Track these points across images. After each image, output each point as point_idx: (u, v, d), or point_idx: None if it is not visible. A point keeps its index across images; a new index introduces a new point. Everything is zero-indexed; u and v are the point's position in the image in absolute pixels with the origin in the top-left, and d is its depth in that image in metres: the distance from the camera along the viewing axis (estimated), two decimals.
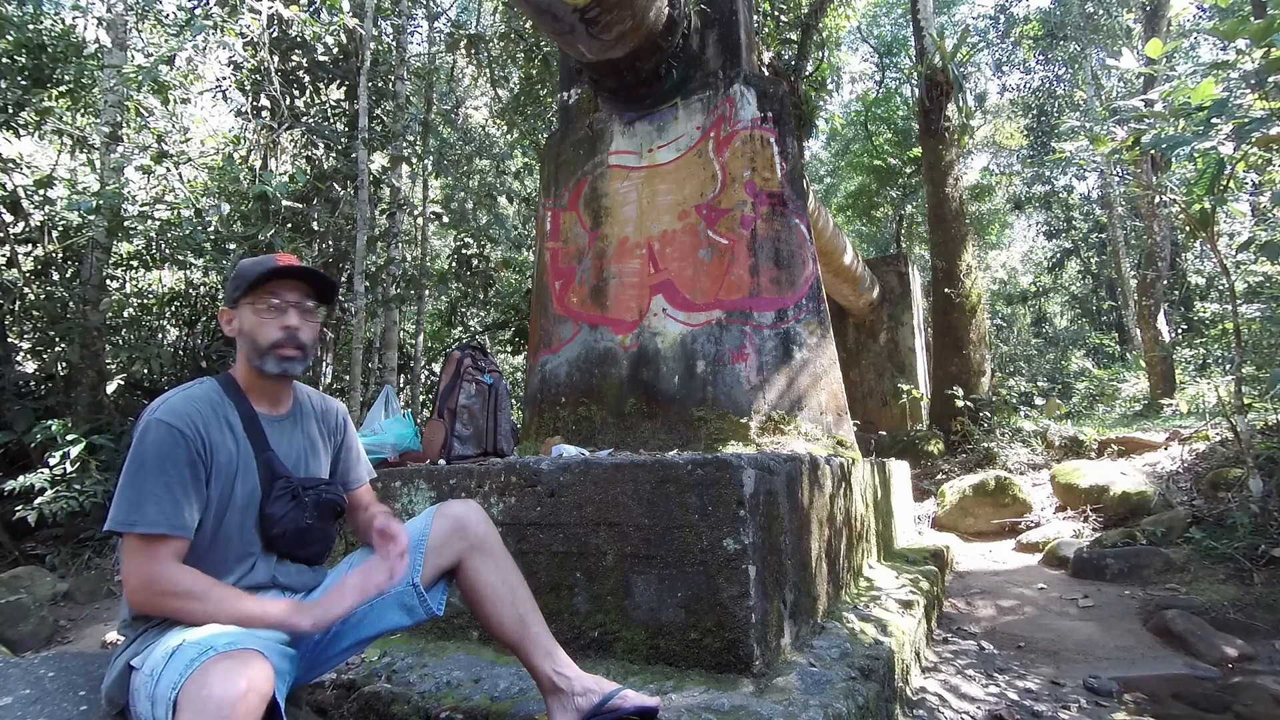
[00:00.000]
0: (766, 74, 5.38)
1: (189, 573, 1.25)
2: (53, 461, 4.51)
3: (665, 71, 3.66)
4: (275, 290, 1.43)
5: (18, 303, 5.63)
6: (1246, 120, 3.16)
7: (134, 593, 1.24)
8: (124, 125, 6.14)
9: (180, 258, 5.74)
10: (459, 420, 2.88)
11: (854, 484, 3.16)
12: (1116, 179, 15.33)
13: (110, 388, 5.74)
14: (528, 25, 8.23)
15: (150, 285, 7.21)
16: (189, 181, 6.65)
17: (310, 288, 1.47)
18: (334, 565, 1.57)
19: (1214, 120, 3.22)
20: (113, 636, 3.41)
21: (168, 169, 6.06)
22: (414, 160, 8.77)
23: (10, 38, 5.19)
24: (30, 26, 5.36)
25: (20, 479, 4.40)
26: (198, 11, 6.49)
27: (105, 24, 6.32)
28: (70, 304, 5.48)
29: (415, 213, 10.25)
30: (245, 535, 1.39)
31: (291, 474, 1.44)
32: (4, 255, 5.49)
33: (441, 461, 2.77)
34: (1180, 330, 12.01)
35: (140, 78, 5.40)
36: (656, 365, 3.53)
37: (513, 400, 6.79)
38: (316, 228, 7.34)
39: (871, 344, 9.38)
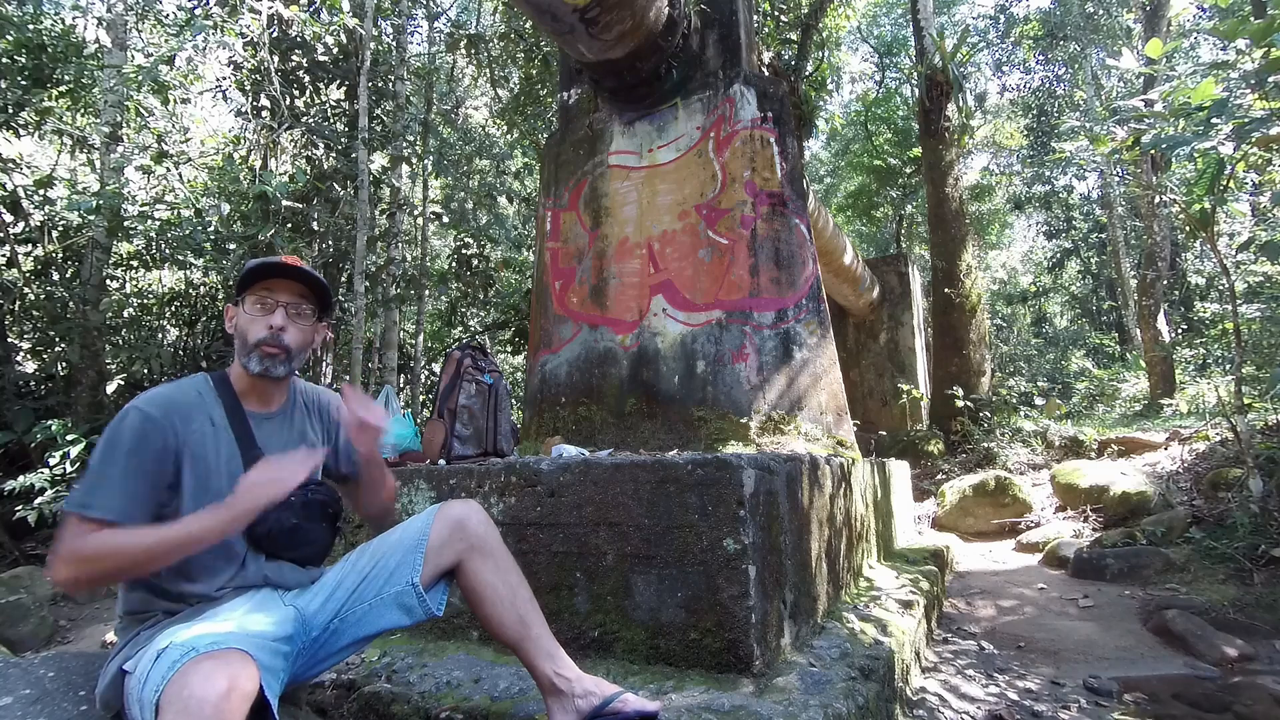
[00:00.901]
0: (766, 74, 5.38)
1: (107, 532, 1.23)
2: (53, 461, 4.51)
3: (665, 71, 3.66)
4: (269, 289, 1.45)
5: (18, 303, 5.63)
6: (1246, 120, 3.15)
7: (61, 567, 1.20)
8: (124, 125, 6.14)
9: (180, 258, 5.75)
10: (459, 420, 2.89)
11: (854, 484, 3.16)
12: (1116, 179, 15.32)
13: (110, 388, 5.74)
14: (528, 25, 8.23)
15: (150, 285, 7.20)
16: (189, 181, 6.65)
17: (309, 291, 1.48)
18: (334, 565, 1.56)
19: (1214, 120, 3.22)
20: (112, 637, 3.40)
21: (168, 169, 6.06)
22: (414, 160, 8.78)
23: (10, 38, 5.19)
24: (30, 26, 5.35)
25: (20, 479, 4.40)
26: (198, 11, 6.48)
27: (105, 24, 6.32)
28: (70, 304, 5.48)
29: (415, 213, 10.24)
30: None
31: None
32: (4, 255, 5.49)
33: (441, 461, 2.77)
34: (1180, 330, 12.00)
35: (140, 78, 5.40)
36: (656, 365, 3.53)
37: (513, 400, 6.79)
38: (316, 228, 7.34)
39: (871, 344, 9.37)
